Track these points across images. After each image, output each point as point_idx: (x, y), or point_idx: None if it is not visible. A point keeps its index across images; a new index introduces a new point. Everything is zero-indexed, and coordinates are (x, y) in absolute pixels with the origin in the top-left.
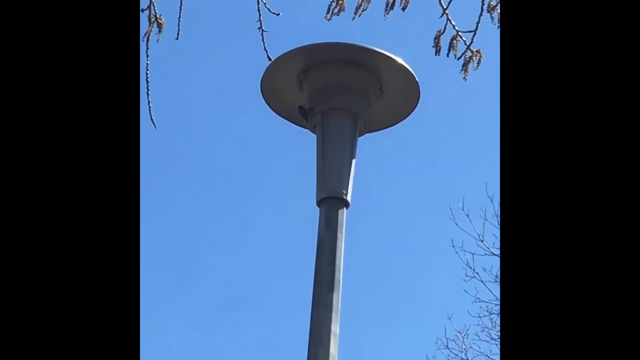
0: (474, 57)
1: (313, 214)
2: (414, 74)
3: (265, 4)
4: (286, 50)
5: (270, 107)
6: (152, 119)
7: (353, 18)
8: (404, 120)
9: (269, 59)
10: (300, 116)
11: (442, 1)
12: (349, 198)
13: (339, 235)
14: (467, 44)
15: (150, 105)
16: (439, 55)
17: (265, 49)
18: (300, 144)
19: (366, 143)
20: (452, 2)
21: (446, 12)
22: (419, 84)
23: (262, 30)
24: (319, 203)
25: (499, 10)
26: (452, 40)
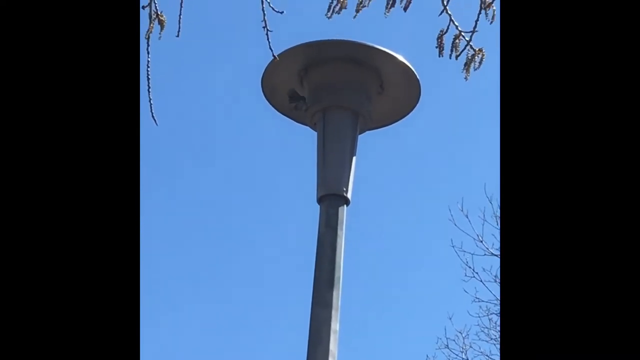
0: (476, 56)
1: (313, 211)
2: (415, 72)
3: (269, 2)
4: (287, 48)
5: (270, 104)
6: (153, 117)
7: (354, 16)
8: (405, 118)
9: (275, 58)
10: (290, 99)
11: (443, 1)
12: (349, 195)
13: (339, 232)
14: (470, 43)
15: (152, 102)
16: (442, 55)
17: (270, 48)
18: (301, 141)
19: (367, 140)
20: (450, 1)
21: (448, 12)
22: (420, 82)
23: (267, 29)
24: (319, 200)
25: (494, 8)
26: (454, 39)
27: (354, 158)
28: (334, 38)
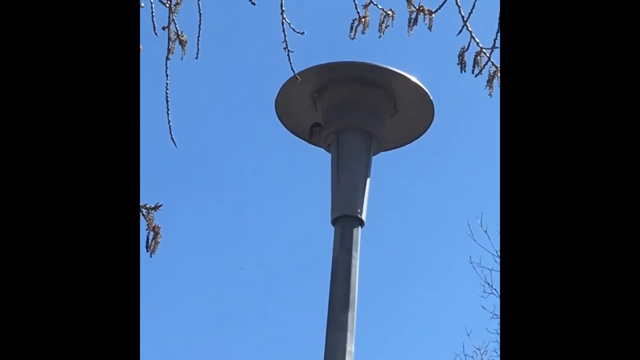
0: (497, 73)
1: (328, 232)
2: (428, 93)
3: (289, 24)
4: (300, 70)
5: (284, 125)
6: (172, 139)
7: (380, 36)
8: (419, 139)
9: (297, 78)
10: (310, 131)
11: (463, 18)
12: (363, 217)
13: (353, 254)
14: (491, 60)
15: (171, 124)
16: (464, 72)
17: (292, 69)
18: (315, 163)
19: (381, 162)
20: (470, 19)
21: (469, 29)
22: (433, 102)
23: (288, 50)
24: (333, 222)
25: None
26: (476, 56)
27: (368, 179)
28: (352, 59)
